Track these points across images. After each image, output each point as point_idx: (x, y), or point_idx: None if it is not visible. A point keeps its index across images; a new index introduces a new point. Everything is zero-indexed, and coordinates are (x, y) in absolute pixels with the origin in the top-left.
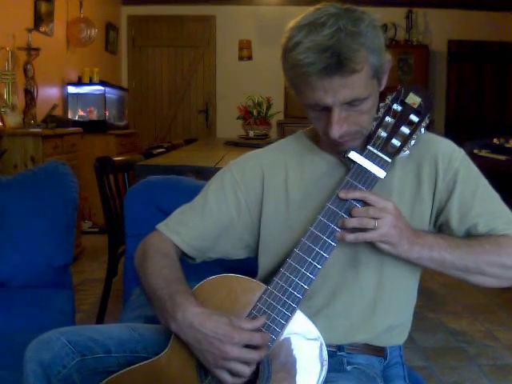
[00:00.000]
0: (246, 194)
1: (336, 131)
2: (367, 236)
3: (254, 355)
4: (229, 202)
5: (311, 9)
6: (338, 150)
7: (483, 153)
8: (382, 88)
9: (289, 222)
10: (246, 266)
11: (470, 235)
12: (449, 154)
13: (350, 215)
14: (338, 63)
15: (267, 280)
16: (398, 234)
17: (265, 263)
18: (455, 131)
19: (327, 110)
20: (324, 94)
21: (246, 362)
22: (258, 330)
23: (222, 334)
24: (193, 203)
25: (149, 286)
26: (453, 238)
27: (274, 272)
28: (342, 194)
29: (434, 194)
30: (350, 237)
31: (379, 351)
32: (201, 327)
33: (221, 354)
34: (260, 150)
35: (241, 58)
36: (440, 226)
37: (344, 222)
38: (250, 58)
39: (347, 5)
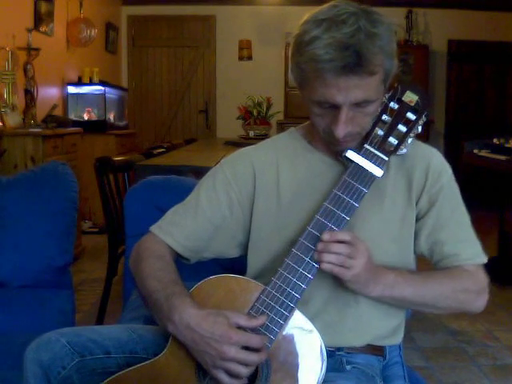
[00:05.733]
0: (237, 193)
1: (341, 131)
2: (340, 272)
3: (253, 357)
4: (221, 201)
5: (327, 5)
6: (334, 149)
7: (483, 153)
8: (386, 92)
9: (280, 220)
10: (244, 266)
11: (432, 250)
12: (439, 169)
13: (327, 250)
14: (357, 63)
15: (256, 277)
16: (366, 276)
17: (254, 261)
18: (455, 131)
19: (335, 108)
20: (336, 92)
21: (245, 363)
22: (256, 329)
23: (218, 334)
24: (185, 203)
25: (144, 288)
26: (411, 275)
27: (264, 270)
28: (327, 236)
29: (416, 203)
30: (326, 266)
31: (378, 350)
32: (197, 328)
33: (218, 354)
34: (251, 147)
35: (241, 58)
36: None
37: (321, 256)
38: (250, 58)
39: (362, 5)
